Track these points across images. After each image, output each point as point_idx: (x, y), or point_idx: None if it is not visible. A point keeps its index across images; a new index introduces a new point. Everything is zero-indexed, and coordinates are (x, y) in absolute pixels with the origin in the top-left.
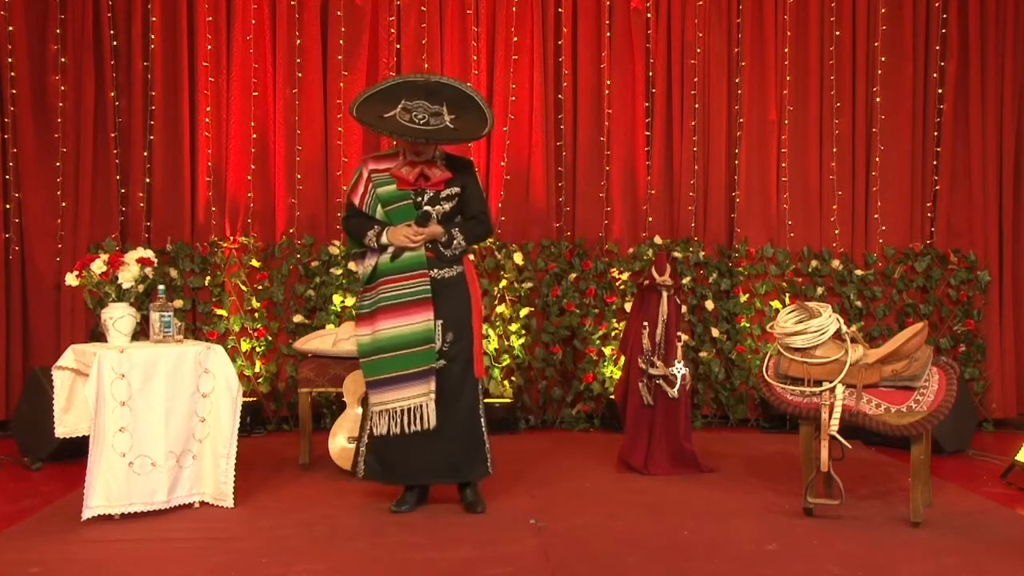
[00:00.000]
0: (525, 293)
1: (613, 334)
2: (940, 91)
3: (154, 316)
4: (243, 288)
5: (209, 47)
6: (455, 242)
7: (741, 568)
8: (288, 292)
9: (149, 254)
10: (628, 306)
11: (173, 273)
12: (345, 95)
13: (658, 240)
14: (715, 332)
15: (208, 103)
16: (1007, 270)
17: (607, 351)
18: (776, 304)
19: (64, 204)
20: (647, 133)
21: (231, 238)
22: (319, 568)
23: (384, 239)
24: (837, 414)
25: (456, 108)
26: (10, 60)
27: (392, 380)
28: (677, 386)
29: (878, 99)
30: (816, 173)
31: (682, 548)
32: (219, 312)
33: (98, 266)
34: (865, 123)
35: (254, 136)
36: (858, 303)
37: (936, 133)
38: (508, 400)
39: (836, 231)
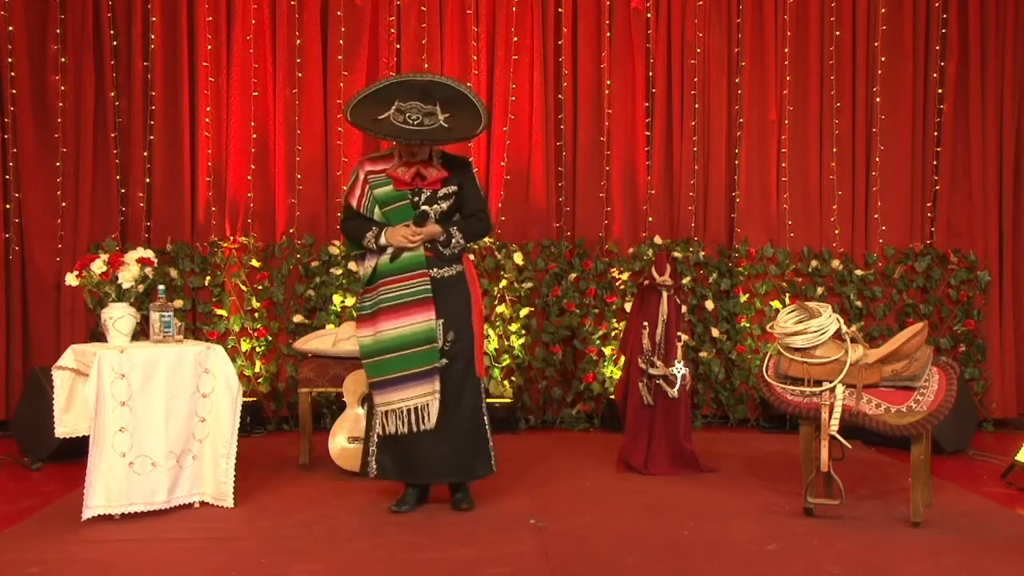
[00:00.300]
0: (525, 293)
1: (613, 334)
2: (940, 91)
3: (154, 316)
4: (243, 288)
5: (209, 47)
6: (454, 241)
7: (741, 568)
8: (288, 292)
9: (149, 254)
10: (628, 306)
11: (173, 273)
12: (345, 95)
13: (658, 240)
14: (715, 332)
15: (208, 103)
16: (1007, 270)
17: (607, 351)
18: (776, 304)
19: (64, 204)
20: (647, 133)
21: (231, 238)
22: (319, 568)
23: (383, 240)
24: (837, 414)
25: (450, 107)
26: (10, 60)
27: (396, 380)
28: (677, 386)
29: (878, 99)
30: (816, 173)
31: (682, 548)
32: (219, 312)
33: (98, 266)
34: (865, 123)
35: (254, 136)
36: (858, 303)
37: (936, 133)
38: (508, 400)
39: (836, 231)
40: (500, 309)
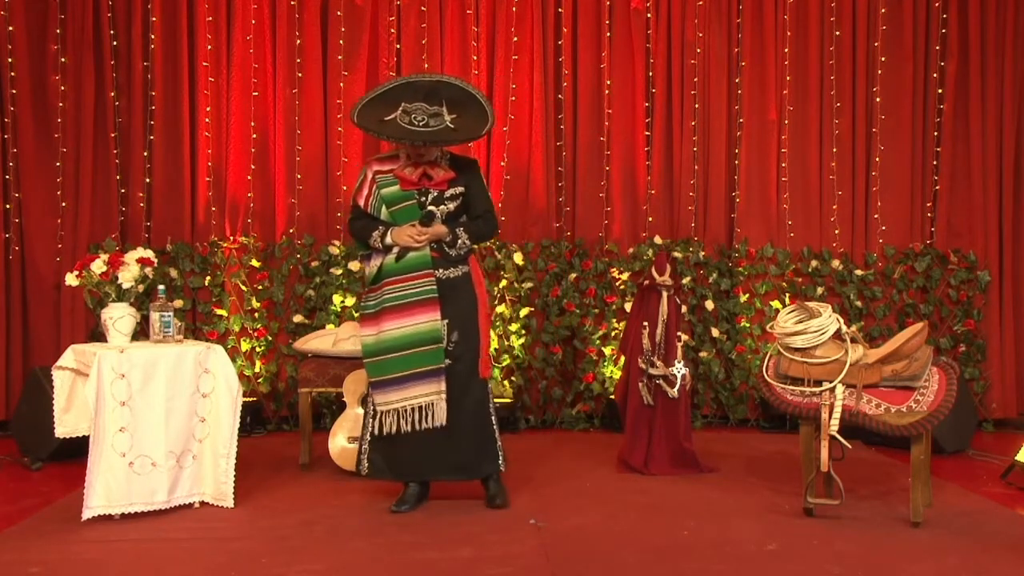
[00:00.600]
0: (525, 293)
1: (613, 334)
2: (940, 91)
3: (154, 316)
4: (243, 288)
5: (209, 47)
6: (460, 241)
7: (741, 568)
8: (288, 292)
9: (149, 254)
10: (628, 306)
11: (173, 273)
12: (345, 95)
13: (658, 240)
14: (715, 332)
15: (208, 103)
16: (1007, 270)
17: (607, 351)
18: (776, 304)
19: (64, 204)
20: (647, 133)
21: (231, 238)
22: (319, 568)
23: (388, 239)
24: (837, 414)
25: (456, 107)
26: (10, 60)
27: (397, 380)
28: (677, 386)
29: (878, 99)
30: (816, 173)
31: (682, 548)
32: (219, 312)
33: (98, 266)
34: (865, 123)
35: (254, 136)
36: (858, 303)
37: (936, 133)
38: (508, 400)
39: (836, 231)
40: (500, 309)
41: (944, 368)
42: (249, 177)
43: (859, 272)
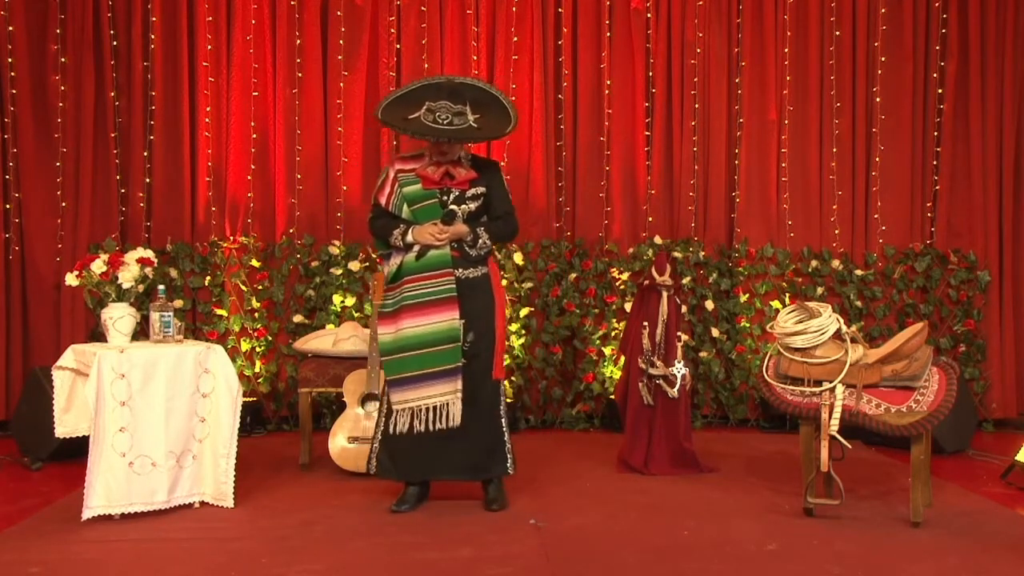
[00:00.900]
0: (525, 293)
1: (613, 334)
2: (940, 91)
3: (154, 316)
4: (243, 288)
5: (209, 47)
6: (480, 241)
7: (741, 568)
8: (288, 292)
9: (149, 254)
10: (628, 306)
11: (173, 273)
12: (345, 95)
13: (658, 240)
14: (715, 332)
15: (208, 103)
16: (1007, 270)
17: (607, 351)
18: (776, 304)
19: (64, 204)
20: (647, 133)
21: (231, 238)
22: (319, 568)
23: (409, 237)
24: (837, 414)
25: (480, 107)
26: (10, 60)
27: (414, 379)
28: (677, 386)
29: (878, 99)
30: (816, 173)
31: (682, 548)
32: (219, 312)
33: (98, 266)
34: (865, 123)
35: (254, 136)
36: (858, 303)
37: (936, 133)
38: (508, 400)
39: (836, 231)
40: None
41: (944, 368)
42: (249, 177)
43: (859, 272)
